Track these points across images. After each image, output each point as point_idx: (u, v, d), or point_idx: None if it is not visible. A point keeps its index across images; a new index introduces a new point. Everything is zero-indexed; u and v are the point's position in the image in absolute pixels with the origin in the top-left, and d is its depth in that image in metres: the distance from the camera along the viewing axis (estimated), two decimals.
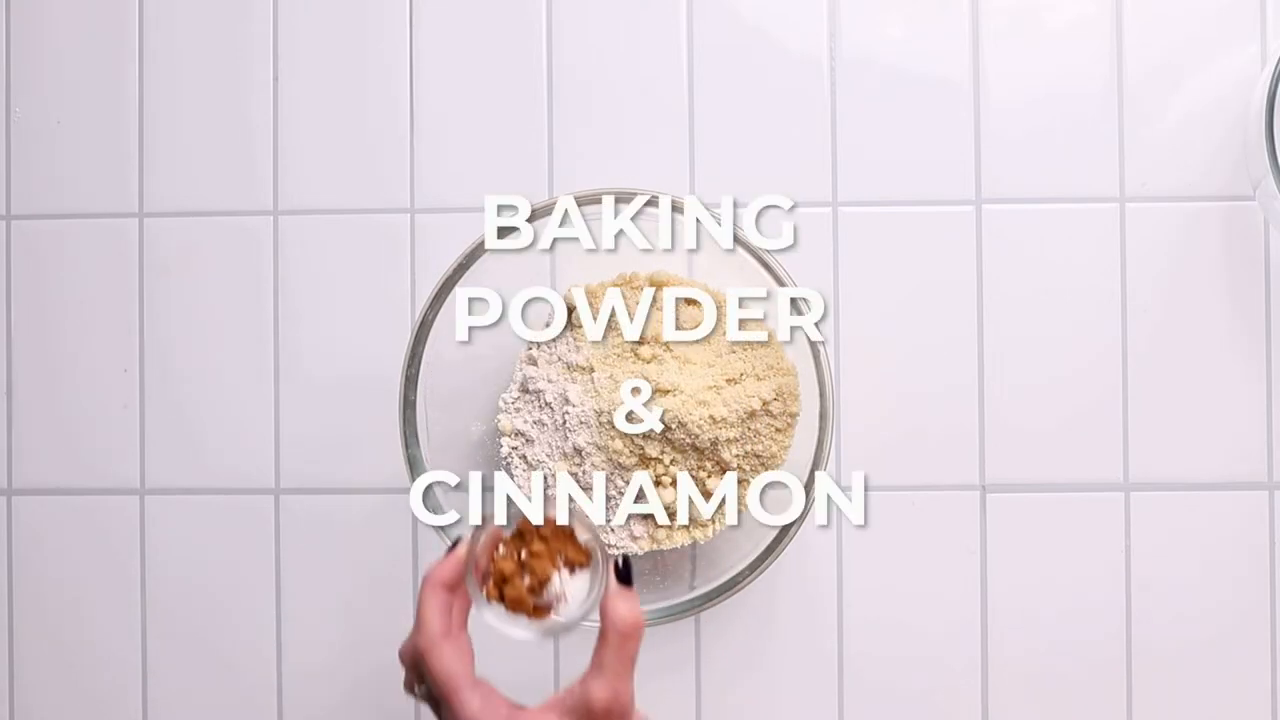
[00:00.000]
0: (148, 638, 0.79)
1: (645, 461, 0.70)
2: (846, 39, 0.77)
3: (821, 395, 0.68)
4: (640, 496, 0.70)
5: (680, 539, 0.71)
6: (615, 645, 0.58)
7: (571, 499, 0.63)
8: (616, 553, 0.62)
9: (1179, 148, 0.76)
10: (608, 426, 0.70)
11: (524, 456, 0.72)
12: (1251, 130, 0.72)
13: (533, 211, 0.69)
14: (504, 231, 0.68)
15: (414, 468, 0.70)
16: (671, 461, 0.70)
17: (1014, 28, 0.77)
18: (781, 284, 0.69)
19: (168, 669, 0.78)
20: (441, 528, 0.68)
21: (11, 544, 0.79)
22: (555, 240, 0.72)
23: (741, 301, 0.73)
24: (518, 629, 0.59)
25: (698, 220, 0.69)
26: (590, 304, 0.73)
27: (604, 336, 0.72)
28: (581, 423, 0.70)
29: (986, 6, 0.77)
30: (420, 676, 0.60)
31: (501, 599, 0.59)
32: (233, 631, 0.78)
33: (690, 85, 0.78)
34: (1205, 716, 0.76)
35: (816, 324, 0.69)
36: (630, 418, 0.69)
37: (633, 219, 0.71)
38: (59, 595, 0.79)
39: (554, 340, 0.73)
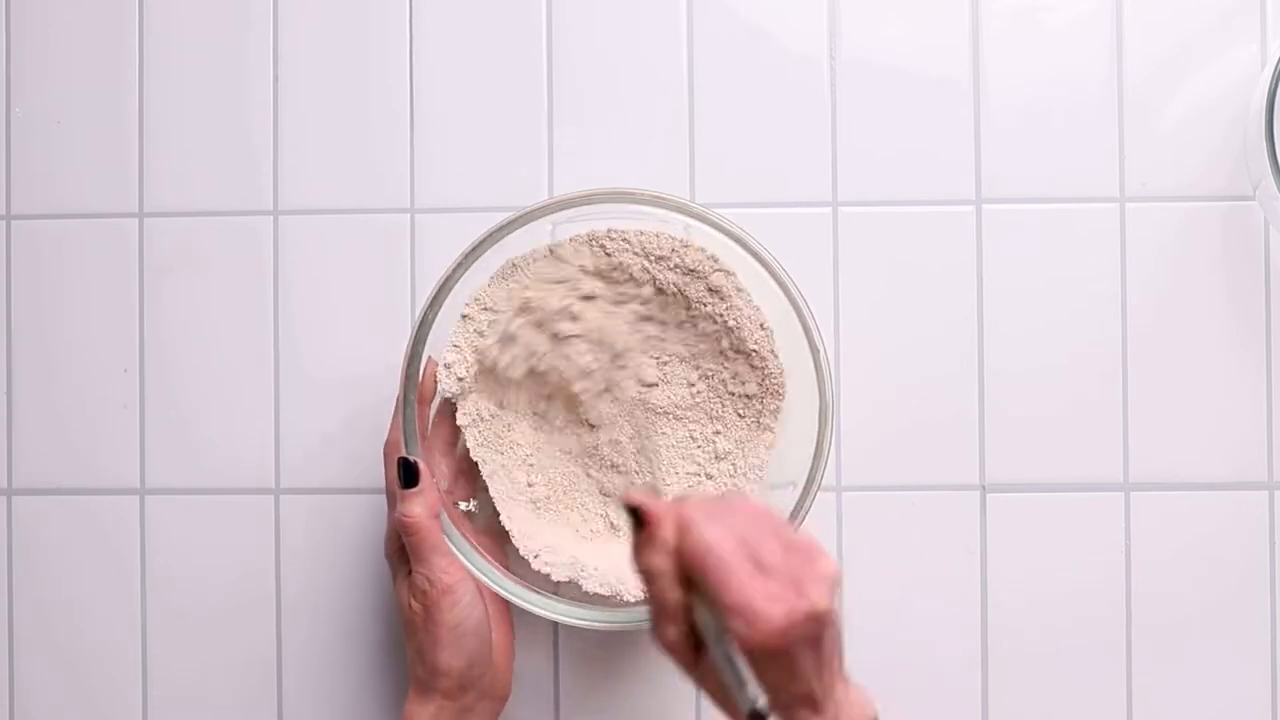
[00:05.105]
0: (148, 638, 0.78)
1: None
2: (846, 39, 0.77)
3: (821, 395, 0.68)
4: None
5: None
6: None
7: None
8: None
9: (1179, 147, 0.76)
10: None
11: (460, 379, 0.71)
12: (1251, 130, 0.72)
13: (532, 211, 0.69)
14: (503, 231, 0.68)
15: None
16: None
17: (1014, 27, 0.77)
18: (781, 284, 0.69)
19: (168, 669, 0.78)
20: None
21: (11, 544, 0.79)
22: (554, 240, 0.72)
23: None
24: None
25: (697, 220, 0.69)
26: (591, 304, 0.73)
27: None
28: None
29: (986, 6, 0.77)
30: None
31: None
32: (233, 631, 0.78)
33: (690, 85, 0.77)
34: (1206, 716, 0.76)
35: (816, 325, 0.69)
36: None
37: (632, 219, 0.71)
38: (59, 595, 0.79)
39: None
